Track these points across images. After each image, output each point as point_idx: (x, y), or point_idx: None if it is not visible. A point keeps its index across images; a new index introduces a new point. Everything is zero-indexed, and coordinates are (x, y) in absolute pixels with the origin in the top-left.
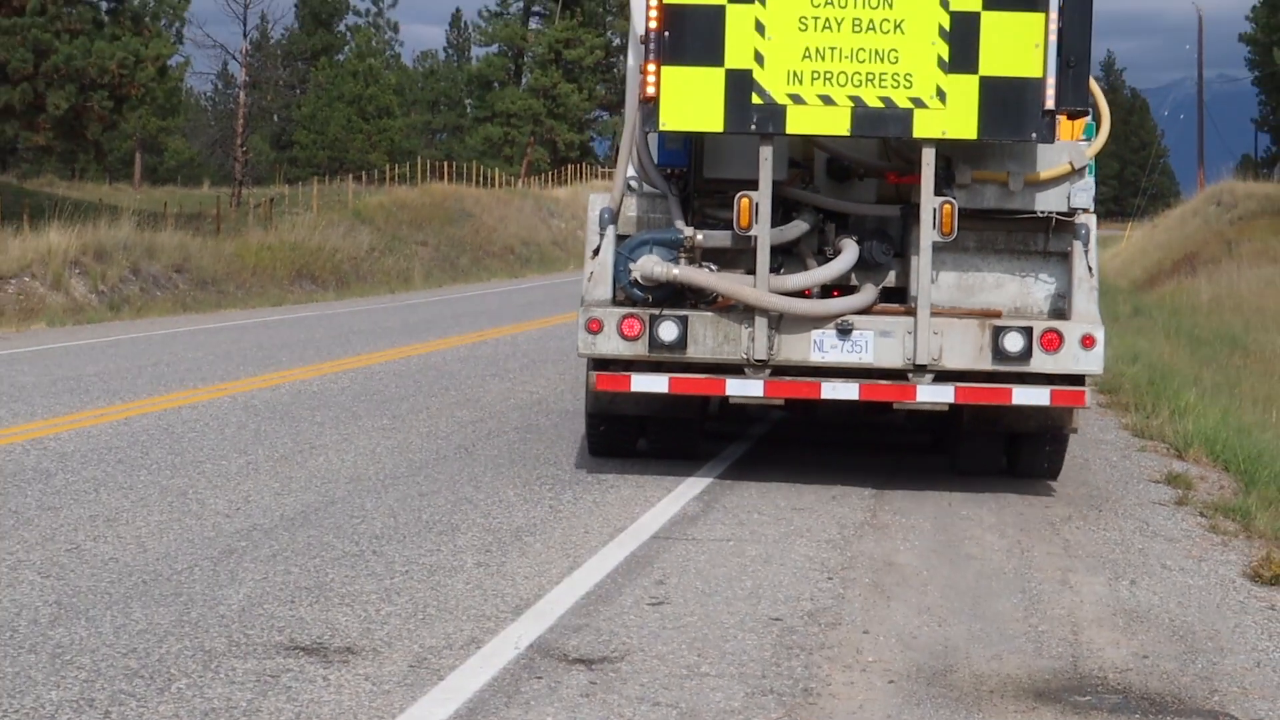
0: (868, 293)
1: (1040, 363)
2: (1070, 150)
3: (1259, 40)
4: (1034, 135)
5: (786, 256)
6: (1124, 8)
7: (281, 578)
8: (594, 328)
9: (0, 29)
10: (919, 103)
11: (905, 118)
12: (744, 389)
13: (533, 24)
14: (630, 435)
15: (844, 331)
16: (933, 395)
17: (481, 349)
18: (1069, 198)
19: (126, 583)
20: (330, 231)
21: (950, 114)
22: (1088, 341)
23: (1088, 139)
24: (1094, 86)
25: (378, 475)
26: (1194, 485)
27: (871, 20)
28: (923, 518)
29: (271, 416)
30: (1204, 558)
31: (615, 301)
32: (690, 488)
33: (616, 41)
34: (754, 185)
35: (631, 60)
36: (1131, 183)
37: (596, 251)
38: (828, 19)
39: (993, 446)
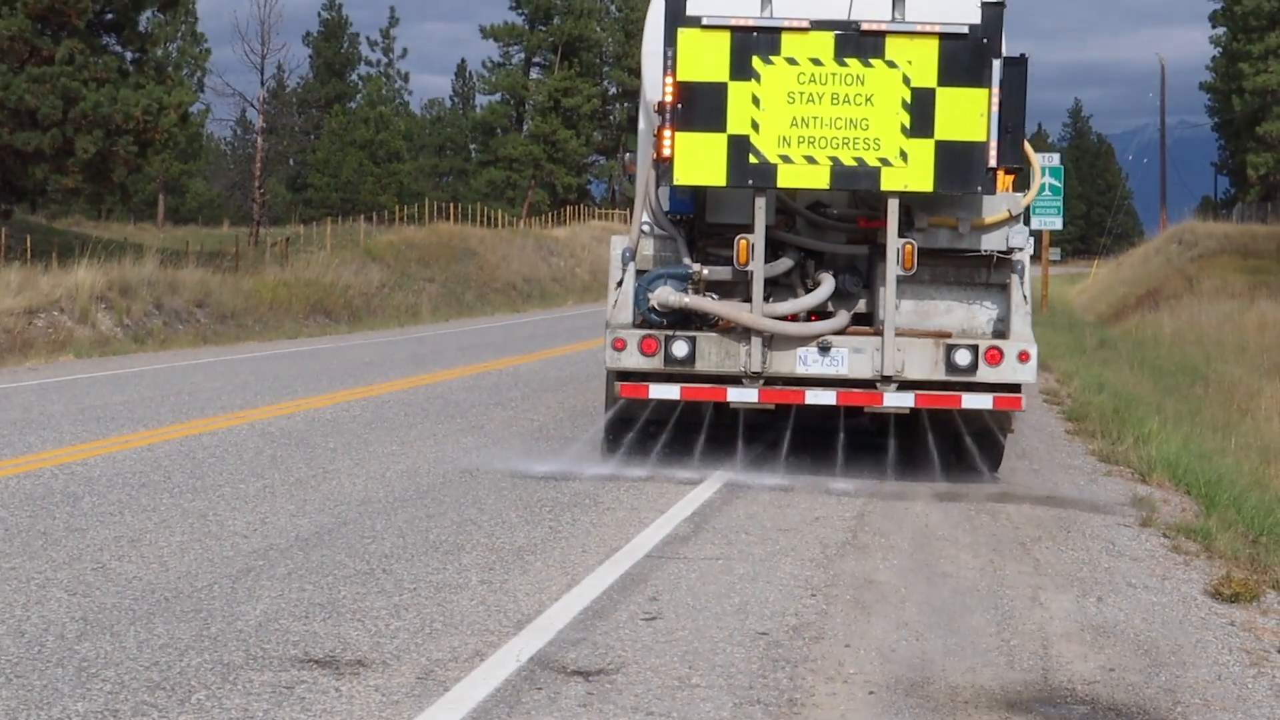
0: (842, 317)
1: (984, 374)
2: (1009, 200)
3: (1218, 88)
4: (979, 188)
5: (775, 287)
6: (1091, 58)
7: (296, 595)
8: (619, 346)
9: (31, 77)
10: (886, 162)
11: (874, 174)
12: (742, 396)
13: (533, 74)
14: (642, 437)
15: (824, 349)
16: (897, 401)
17: (485, 379)
18: (1008, 239)
19: (149, 600)
20: (343, 269)
21: (911, 171)
22: (1023, 356)
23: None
24: (1027, 147)
25: (387, 498)
26: (1157, 508)
27: (847, 94)
28: (901, 538)
29: (287, 443)
30: (1167, 576)
31: (635, 324)
32: (681, 510)
33: (612, 90)
34: (749, 229)
35: (643, 125)
36: (1098, 223)
37: (619, 284)
38: (811, 93)
39: (944, 444)
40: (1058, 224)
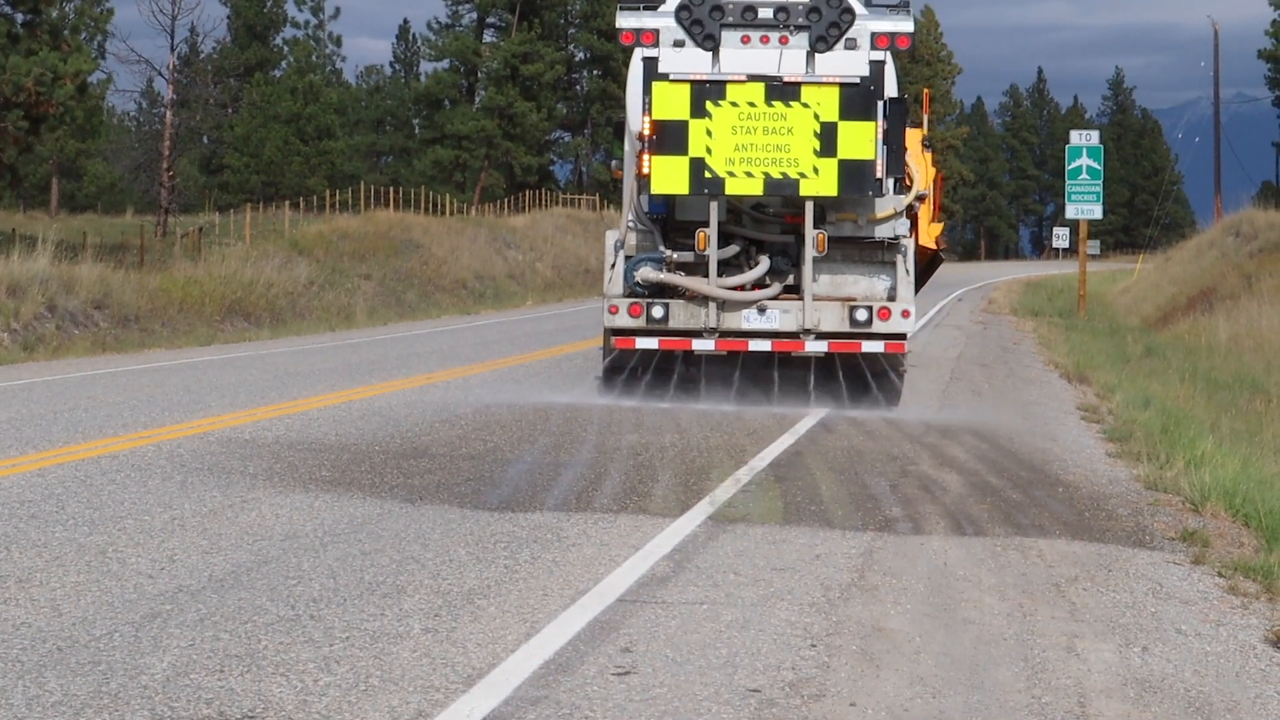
0: (775, 288)
1: (877, 326)
2: (894, 201)
3: (1279, 57)
4: (870, 193)
5: (726, 266)
6: (1134, 22)
7: (210, 645)
8: (613, 311)
9: None
10: (803, 175)
11: (795, 184)
12: (703, 345)
13: (487, 37)
14: (632, 378)
15: (762, 310)
16: (815, 347)
17: (430, 393)
18: (894, 229)
19: (40, 650)
20: (264, 264)
21: (822, 181)
22: (905, 314)
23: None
24: (908, 159)
25: (316, 532)
26: (1211, 542)
27: (774, 127)
28: (915, 578)
29: (199, 467)
30: (1222, 621)
31: (625, 295)
32: (659, 546)
33: (580, 56)
34: (707, 224)
35: (628, 147)
36: (1143, 211)
37: (613, 265)
38: (748, 126)
39: (856, 381)
40: (1097, 212)
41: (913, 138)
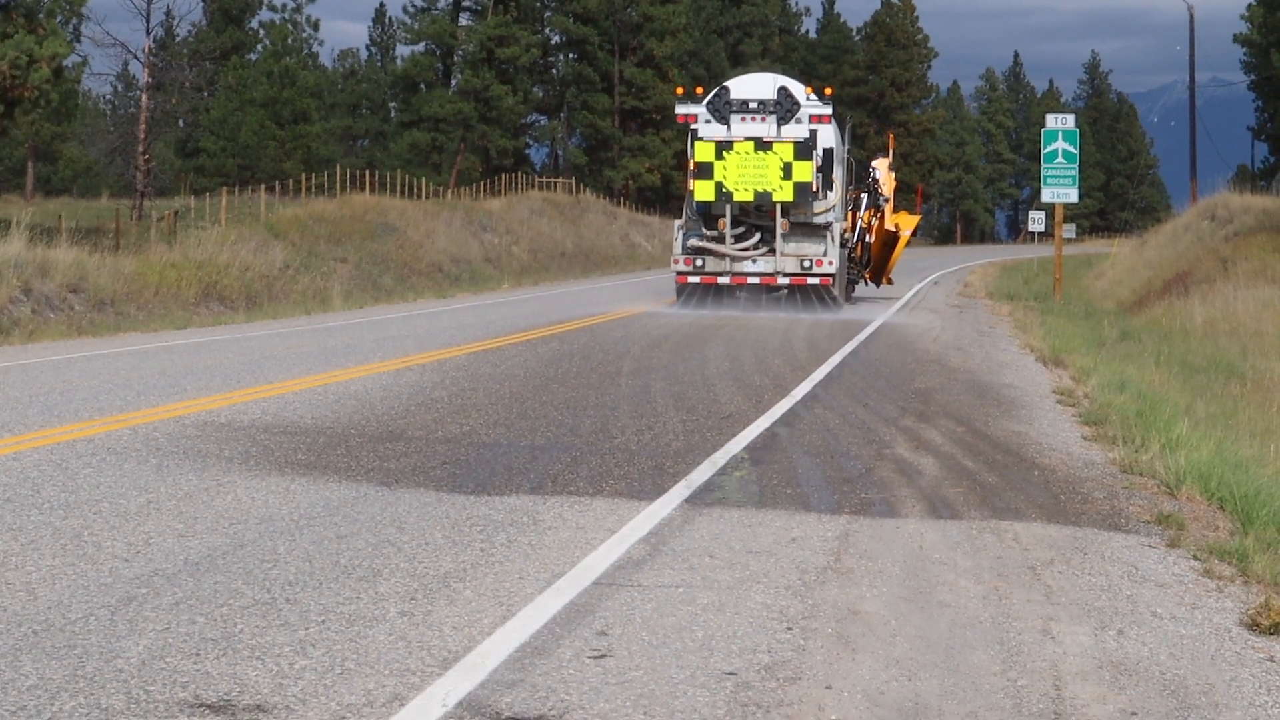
0: (763, 249)
1: (815, 270)
2: (824, 203)
3: (1255, 41)
4: (811, 199)
5: (736, 239)
6: (1110, 6)
7: (185, 628)
8: (676, 262)
9: None
10: (774, 190)
11: (770, 195)
12: (724, 280)
13: (463, 20)
14: (691, 297)
15: (754, 261)
16: (783, 281)
17: (406, 376)
18: (826, 219)
19: (15, 633)
20: (240, 247)
21: (784, 193)
22: (831, 263)
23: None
24: (835, 175)
25: (291, 515)
26: (1186, 525)
27: (759, 164)
28: (891, 561)
29: (175, 451)
30: (1197, 605)
31: (683, 254)
32: (635, 529)
33: (555, 39)
34: (725, 216)
35: (689, 174)
36: (1119, 195)
37: (677, 239)
38: (745, 164)
39: (807, 299)
40: (1073, 196)
41: (883, 164)
